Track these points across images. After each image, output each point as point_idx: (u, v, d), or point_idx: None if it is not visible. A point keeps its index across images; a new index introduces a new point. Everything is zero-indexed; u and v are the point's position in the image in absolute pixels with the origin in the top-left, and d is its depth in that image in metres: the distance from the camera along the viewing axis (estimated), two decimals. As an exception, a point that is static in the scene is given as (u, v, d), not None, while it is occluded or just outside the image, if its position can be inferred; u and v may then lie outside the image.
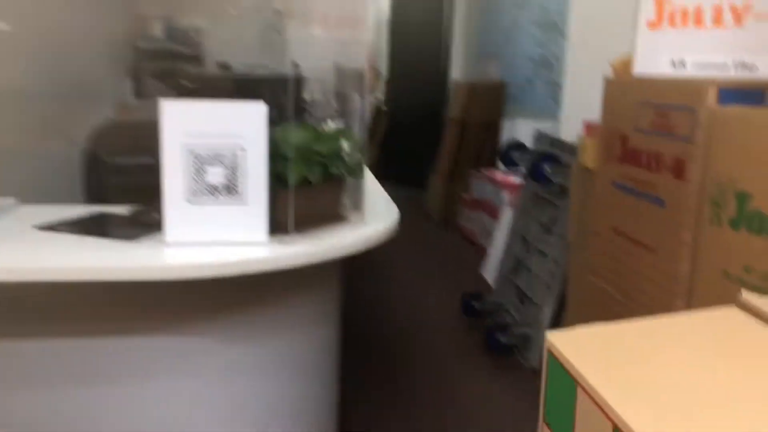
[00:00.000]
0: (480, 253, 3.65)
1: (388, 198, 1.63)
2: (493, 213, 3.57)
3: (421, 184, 5.16)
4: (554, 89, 3.59)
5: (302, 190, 1.27)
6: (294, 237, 1.26)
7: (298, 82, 1.70)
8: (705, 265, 1.37)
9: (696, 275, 1.40)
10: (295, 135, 1.28)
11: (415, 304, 2.96)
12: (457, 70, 5.39)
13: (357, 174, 1.42)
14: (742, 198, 1.23)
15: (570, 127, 2.80)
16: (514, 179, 3.42)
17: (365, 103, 1.51)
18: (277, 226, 1.26)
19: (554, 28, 3.61)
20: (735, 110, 1.27)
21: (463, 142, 4.57)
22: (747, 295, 0.85)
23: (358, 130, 1.49)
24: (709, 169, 1.35)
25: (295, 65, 2.79)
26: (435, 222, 4.51)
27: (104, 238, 1.22)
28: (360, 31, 1.56)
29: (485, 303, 2.64)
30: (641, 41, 1.63)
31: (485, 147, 4.47)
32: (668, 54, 1.56)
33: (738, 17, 1.42)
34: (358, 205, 1.45)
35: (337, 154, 1.36)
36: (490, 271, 3.12)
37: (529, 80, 4.04)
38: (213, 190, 1.17)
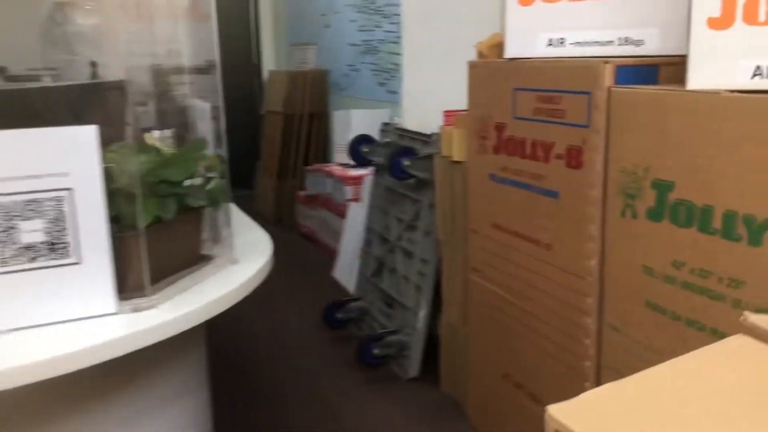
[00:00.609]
0: (325, 252, 3.44)
1: (254, 224, 1.35)
2: (335, 209, 3.36)
3: (246, 183, 4.82)
4: (384, 76, 3.44)
5: (154, 232, 0.96)
6: (152, 297, 0.95)
7: (122, 88, 1.35)
8: (618, 261, 1.26)
9: (607, 272, 1.30)
10: (136, 161, 0.96)
11: (270, 320, 2.67)
12: (270, 60, 5.09)
13: (219, 201, 1.13)
14: (663, 187, 1.12)
15: (414, 116, 2.66)
16: (355, 172, 3.24)
17: (219, 108, 1.21)
18: (127, 286, 0.94)
19: (377, 13, 3.46)
20: (643, 92, 1.16)
21: (289, 135, 4.31)
22: (752, 317, 0.72)
23: (213, 144, 1.19)
24: (613, 156, 1.24)
25: (94, 65, 2.34)
26: (269, 222, 4.21)
27: None
28: (204, 21, 1.25)
29: (349, 311, 2.44)
30: (512, 20, 1.49)
31: (315, 139, 4.24)
32: (545, 33, 1.43)
33: (618, -11, 1.32)
34: (223, 239, 1.15)
35: (194, 179, 1.06)
36: (343, 272, 2.91)
37: (353, 67, 3.87)
38: (30, 252, 0.83)
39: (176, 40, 1.45)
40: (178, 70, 1.47)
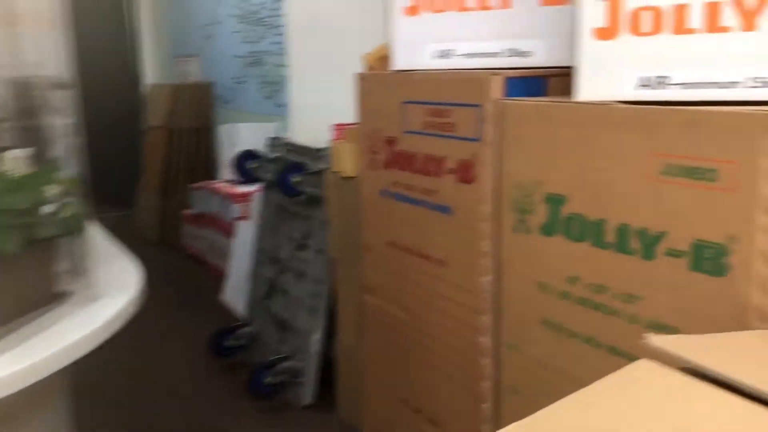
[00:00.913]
0: (214, 275, 3.27)
1: (124, 251, 1.21)
2: (224, 228, 3.21)
3: (126, 202, 4.55)
4: (271, 89, 3.33)
5: (-7, 270, 0.82)
6: (-10, 347, 0.81)
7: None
8: (512, 278, 1.23)
9: (502, 289, 1.26)
10: (-31, 188, 0.82)
11: (152, 353, 2.49)
12: (151, 73, 4.85)
13: (76, 229, 0.99)
14: (555, 202, 1.10)
15: (303, 130, 2.58)
16: (243, 189, 3.10)
17: (78, 125, 1.08)
18: (-42, 335, 0.80)
19: (261, 23, 3.34)
20: (532, 104, 1.14)
21: (173, 151, 4.10)
22: (653, 340, 0.68)
23: (69, 165, 1.05)
24: (504, 170, 1.21)
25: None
26: (152, 243, 3.98)
27: None
28: (48, 29, 1.11)
29: (239, 337, 2.30)
30: (398, 31, 1.44)
31: (200, 155, 4.05)
32: (432, 44, 1.39)
33: None
34: (83, 272, 1.02)
35: (43, 206, 0.92)
36: (233, 296, 2.77)
37: (239, 80, 3.73)
38: None
39: (32, 51, 1.29)
40: (35, 84, 1.31)
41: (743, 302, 0.85)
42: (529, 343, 1.21)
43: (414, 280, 1.52)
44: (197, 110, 4.08)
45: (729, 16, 0.89)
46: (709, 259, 0.88)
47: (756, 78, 0.90)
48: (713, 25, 0.90)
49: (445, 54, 1.38)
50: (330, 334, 2.01)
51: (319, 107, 2.43)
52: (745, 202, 0.83)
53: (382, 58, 1.56)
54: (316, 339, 2.01)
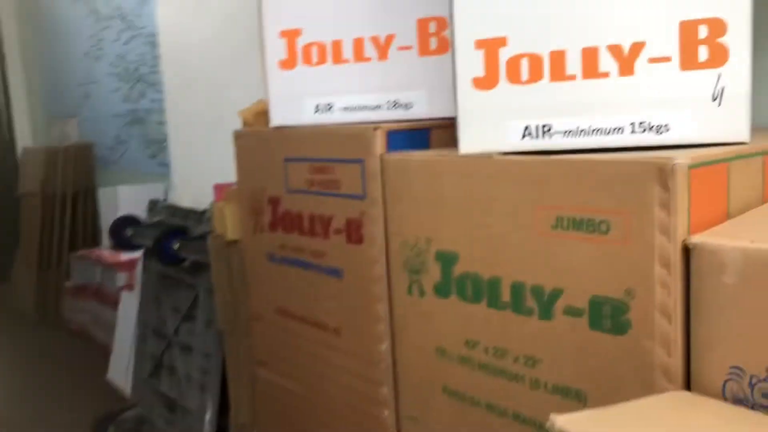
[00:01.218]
0: (99, 351, 3.00)
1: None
2: (108, 300, 2.97)
3: (4, 275, 4.19)
4: (154, 148, 3.16)
5: None
6: None
7: None
8: (410, 344, 1.14)
9: (400, 357, 1.17)
10: None
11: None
12: (25, 136, 4.54)
13: None
14: (447, 260, 1.02)
15: (186, 191, 2.43)
16: (128, 256, 2.89)
17: None
18: None
19: (140, 80, 3.19)
20: (416, 158, 1.07)
21: (50, 218, 3.81)
22: (560, 422, 0.61)
23: None
24: (393, 228, 1.13)
25: None
26: (29, 319, 3.65)
27: None
28: None
29: (125, 422, 2.09)
30: (274, 85, 1.35)
31: (81, 222, 3.78)
32: (311, 98, 1.31)
33: (382, 50, 1.24)
34: None
35: None
36: (119, 374, 2.54)
37: (120, 140, 3.53)
38: None
39: None
40: None
41: (647, 360, 0.79)
42: (431, 414, 1.11)
43: (308, 350, 1.40)
44: (77, 174, 3.82)
45: (606, 62, 0.86)
46: (608, 316, 0.82)
47: (638, 123, 0.87)
48: (592, 71, 0.87)
49: (324, 108, 1.31)
50: (223, 412, 1.84)
51: (202, 166, 2.31)
52: (640, 255, 0.78)
53: (261, 114, 1.47)
54: (208, 419, 1.84)
